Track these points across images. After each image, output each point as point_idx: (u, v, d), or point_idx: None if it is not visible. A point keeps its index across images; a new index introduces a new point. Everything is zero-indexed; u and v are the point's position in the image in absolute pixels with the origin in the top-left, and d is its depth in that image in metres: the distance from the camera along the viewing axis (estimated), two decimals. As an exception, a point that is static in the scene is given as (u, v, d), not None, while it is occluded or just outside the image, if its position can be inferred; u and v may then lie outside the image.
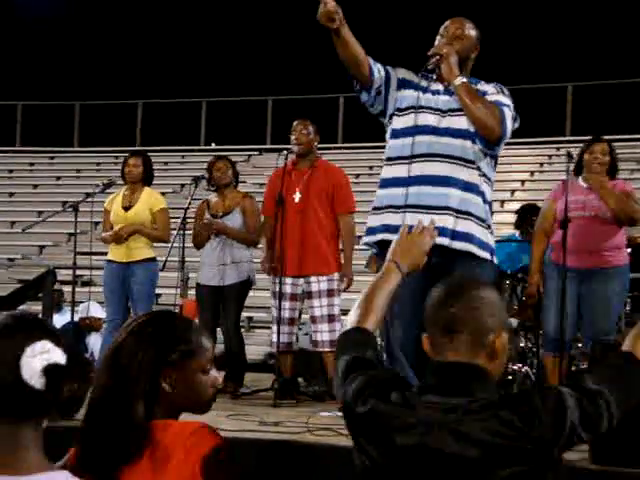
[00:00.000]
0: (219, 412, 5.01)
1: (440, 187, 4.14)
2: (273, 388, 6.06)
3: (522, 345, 6.47)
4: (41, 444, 1.71)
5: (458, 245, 4.12)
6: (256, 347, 8.89)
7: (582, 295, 5.62)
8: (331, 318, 6.17)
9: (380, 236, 4.19)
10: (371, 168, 16.15)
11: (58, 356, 1.70)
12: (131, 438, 2.14)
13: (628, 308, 6.31)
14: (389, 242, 2.78)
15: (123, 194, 6.82)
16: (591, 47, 18.88)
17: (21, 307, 7.48)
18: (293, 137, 6.34)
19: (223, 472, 2.13)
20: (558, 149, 15.34)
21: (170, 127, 19.43)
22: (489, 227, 4.26)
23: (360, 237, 13.04)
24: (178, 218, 7.41)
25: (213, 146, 18.37)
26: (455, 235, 4.11)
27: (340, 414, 2.36)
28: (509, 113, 4.22)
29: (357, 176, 15.27)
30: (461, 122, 4.19)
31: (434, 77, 4.31)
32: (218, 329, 6.78)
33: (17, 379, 1.66)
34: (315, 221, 6.21)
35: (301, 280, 6.22)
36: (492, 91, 4.28)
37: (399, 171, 4.20)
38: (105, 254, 6.84)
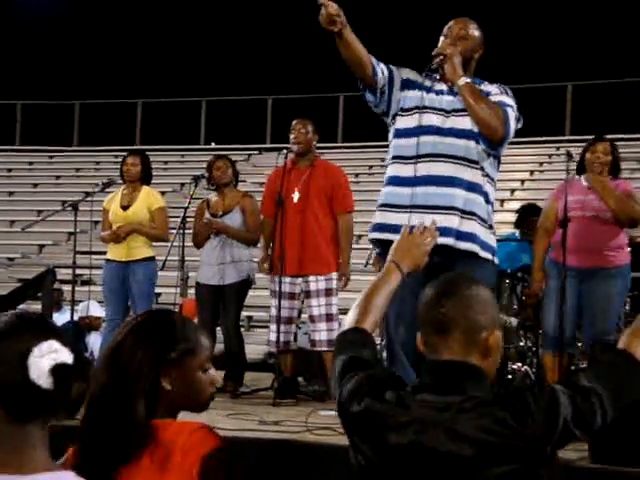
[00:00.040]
0: (219, 411, 5.01)
1: (445, 187, 4.14)
2: (273, 387, 6.06)
3: (522, 344, 6.47)
4: (47, 443, 1.72)
5: (462, 245, 4.13)
6: (256, 346, 8.88)
7: (583, 294, 5.62)
8: (329, 317, 6.17)
9: (383, 235, 4.19)
10: (371, 167, 16.16)
11: (65, 356, 1.70)
12: (131, 437, 2.15)
13: (628, 307, 6.30)
14: (391, 242, 2.78)
15: (122, 193, 6.82)
16: (591, 47, 18.88)
17: (21, 306, 7.49)
18: (292, 136, 6.34)
19: (222, 473, 2.13)
20: (558, 148, 15.36)
21: (170, 126, 19.43)
22: (491, 227, 4.27)
23: (360, 237, 13.10)
24: (178, 217, 7.41)
25: (213, 145, 18.36)
26: (460, 235, 4.12)
27: (339, 413, 2.36)
28: (512, 114, 4.22)
29: (356, 175, 15.28)
30: (465, 122, 4.19)
31: (438, 77, 4.31)
32: (218, 328, 6.79)
33: (24, 379, 1.66)
34: (314, 220, 6.21)
35: (300, 279, 6.22)
36: (496, 91, 4.28)
37: (405, 170, 4.21)
38: (105, 253, 6.85)
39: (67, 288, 8.45)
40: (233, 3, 21.16)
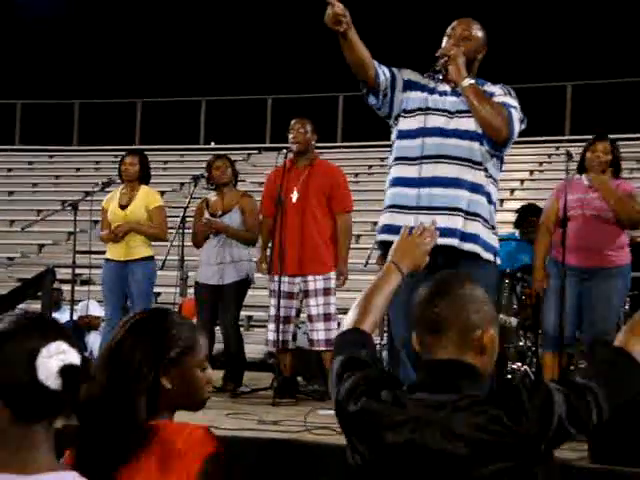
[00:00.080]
0: (218, 411, 5.02)
1: (450, 189, 4.15)
2: (272, 387, 6.06)
3: (521, 344, 6.47)
4: (52, 443, 1.72)
5: (466, 246, 4.13)
6: (255, 346, 8.88)
7: (583, 294, 5.62)
8: (327, 317, 6.17)
9: (390, 237, 4.19)
10: (370, 167, 16.16)
11: (73, 357, 1.70)
12: (132, 437, 2.14)
13: (628, 307, 6.30)
14: (392, 243, 2.78)
15: (120, 193, 6.83)
16: (591, 47, 18.88)
17: (20, 306, 7.48)
18: (291, 136, 6.34)
19: (222, 475, 2.13)
20: (557, 148, 15.36)
21: (169, 126, 19.42)
22: (493, 228, 4.27)
23: (359, 236, 13.04)
24: (177, 217, 7.41)
25: (212, 145, 18.35)
26: (464, 236, 4.12)
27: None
28: (516, 114, 4.22)
29: (356, 175, 15.29)
30: (469, 123, 4.19)
31: (440, 78, 4.30)
32: (217, 328, 6.79)
33: (32, 379, 1.65)
34: (313, 220, 6.21)
35: (298, 279, 6.22)
36: (499, 92, 4.28)
37: (409, 172, 4.20)
38: (104, 253, 6.85)
39: (67, 288, 8.44)
40: (233, 3, 21.16)
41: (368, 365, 2.34)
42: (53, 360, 1.66)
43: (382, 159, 15.02)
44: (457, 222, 4.11)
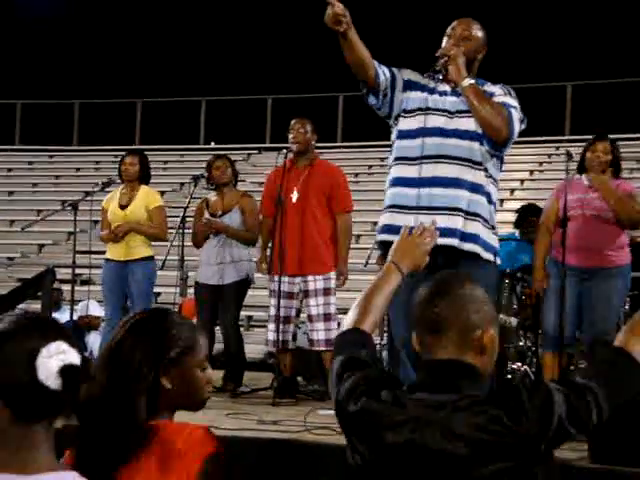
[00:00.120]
0: (218, 411, 5.01)
1: (450, 189, 4.15)
2: (272, 387, 6.06)
3: (521, 344, 6.47)
4: (52, 443, 1.71)
5: (466, 246, 4.14)
6: (255, 346, 8.88)
7: (583, 294, 5.62)
8: (327, 317, 6.17)
9: (390, 237, 4.18)
10: (370, 167, 16.16)
11: (74, 357, 1.69)
12: (132, 438, 2.14)
13: (628, 307, 6.30)
14: (392, 243, 2.78)
15: (120, 193, 6.83)
16: (590, 46, 18.88)
17: (20, 306, 7.48)
18: (290, 136, 6.34)
19: (222, 475, 2.13)
20: (557, 148, 15.36)
21: (169, 126, 19.42)
22: (493, 228, 4.28)
23: (359, 236, 13.01)
24: (177, 217, 7.41)
25: (212, 145, 18.35)
26: (464, 236, 4.13)
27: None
28: (516, 114, 4.22)
29: (356, 175, 15.29)
30: (469, 124, 4.19)
31: (440, 77, 4.30)
32: (217, 328, 6.78)
33: (32, 379, 1.65)
34: (313, 220, 6.21)
35: (298, 279, 6.21)
36: (499, 92, 4.28)
37: (409, 172, 4.20)
38: (104, 253, 6.85)
39: (67, 288, 8.45)
40: (233, 3, 21.16)
41: (368, 365, 2.34)
42: (53, 360, 1.66)
43: (382, 159, 15.02)
44: (457, 222, 4.12)
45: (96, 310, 8.18)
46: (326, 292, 6.19)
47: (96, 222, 10.17)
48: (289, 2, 19.89)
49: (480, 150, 4.20)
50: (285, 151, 6.29)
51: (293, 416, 5.00)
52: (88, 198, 7.27)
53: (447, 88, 4.29)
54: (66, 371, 1.66)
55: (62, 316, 8.43)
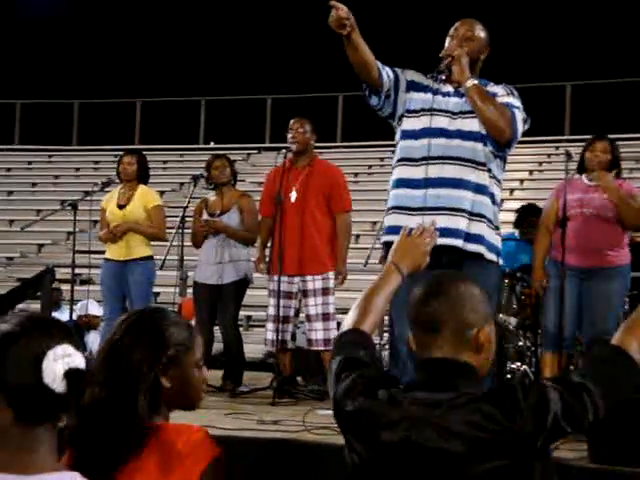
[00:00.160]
0: (218, 411, 5.01)
1: (454, 189, 4.15)
2: (272, 387, 6.06)
3: (521, 344, 6.47)
4: (54, 445, 1.71)
5: (471, 247, 4.14)
6: (254, 346, 8.88)
7: (583, 294, 5.62)
8: (325, 317, 6.17)
9: (390, 237, 4.18)
10: (370, 167, 16.17)
11: (79, 360, 1.69)
12: (132, 437, 2.14)
13: (628, 307, 6.29)
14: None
15: (119, 192, 6.83)
16: (590, 46, 18.87)
17: (20, 305, 7.48)
18: (290, 135, 6.34)
19: (223, 477, 2.13)
20: (557, 148, 15.36)
21: (169, 126, 19.41)
22: (497, 228, 4.28)
23: (358, 236, 13.01)
24: (177, 217, 7.41)
25: (212, 145, 18.35)
26: (468, 237, 4.13)
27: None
28: (519, 115, 4.23)
29: (355, 175, 15.29)
30: (472, 124, 4.20)
31: (443, 78, 4.30)
32: (216, 328, 6.78)
33: (38, 382, 1.65)
34: (312, 220, 6.21)
35: (297, 278, 6.21)
36: (502, 93, 4.28)
37: (415, 172, 4.20)
38: (103, 252, 6.85)
39: (66, 287, 8.45)
40: (233, 3, 21.15)
41: (366, 365, 2.34)
42: (59, 363, 1.66)
43: (382, 159, 15.03)
44: (461, 223, 4.12)
45: (95, 310, 8.18)
46: (325, 292, 6.19)
47: (95, 222, 10.16)
48: (289, 2, 19.89)
49: (484, 151, 4.20)
50: (284, 151, 6.29)
51: (292, 416, 5.00)
52: (87, 198, 7.27)
53: (450, 89, 4.30)
54: (71, 374, 1.66)
55: (62, 316, 8.44)
